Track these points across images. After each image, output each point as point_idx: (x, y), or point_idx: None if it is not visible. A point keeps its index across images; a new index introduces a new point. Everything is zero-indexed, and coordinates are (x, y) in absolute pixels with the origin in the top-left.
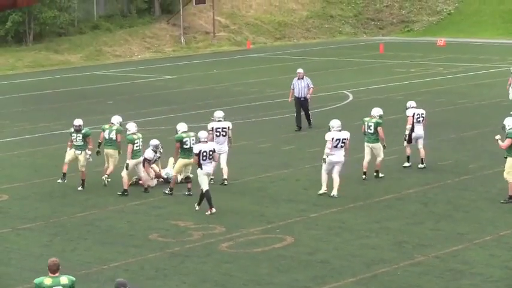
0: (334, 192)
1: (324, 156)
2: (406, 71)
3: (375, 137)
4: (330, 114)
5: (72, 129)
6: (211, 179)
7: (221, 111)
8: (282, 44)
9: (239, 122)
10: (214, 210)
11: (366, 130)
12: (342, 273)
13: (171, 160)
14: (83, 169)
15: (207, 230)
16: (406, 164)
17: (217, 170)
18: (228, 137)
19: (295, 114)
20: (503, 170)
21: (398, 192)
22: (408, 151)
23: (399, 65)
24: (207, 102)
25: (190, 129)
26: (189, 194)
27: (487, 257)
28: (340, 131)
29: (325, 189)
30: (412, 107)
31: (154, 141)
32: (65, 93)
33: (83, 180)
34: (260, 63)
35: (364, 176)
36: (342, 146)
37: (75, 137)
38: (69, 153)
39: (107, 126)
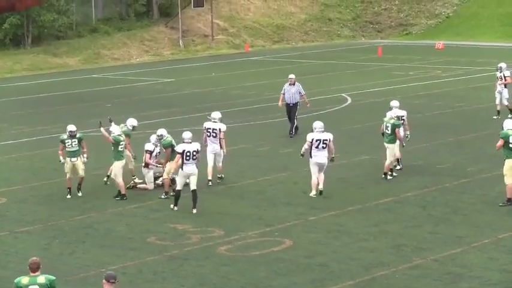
0: (321, 186)
1: (301, 152)
2: (405, 74)
3: (391, 138)
4: (328, 117)
5: (65, 136)
6: (209, 180)
7: (218, 113)
8: (280, 47)
9: (238, 125)
10: (176, 208)
11: (384, 130)
12: (341, 277)
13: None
14: (83, 174)
15: (205, 233)
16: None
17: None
18: (220, 139)
19: (288, 121)
20: (501, 173)
21: (397, 196)
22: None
23: (398, 68)
24: (205, 105)
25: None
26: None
27: (486, 260)
28: (322, 132)
29: (315, 193)
30: (394, 107)
31: (160, 131)
32: (63, 97)
33: (80, 185)
34: (259, 67)
35: (386, 176)
36: (323, 147)
37: (70, 143)
38: (68, 165)
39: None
